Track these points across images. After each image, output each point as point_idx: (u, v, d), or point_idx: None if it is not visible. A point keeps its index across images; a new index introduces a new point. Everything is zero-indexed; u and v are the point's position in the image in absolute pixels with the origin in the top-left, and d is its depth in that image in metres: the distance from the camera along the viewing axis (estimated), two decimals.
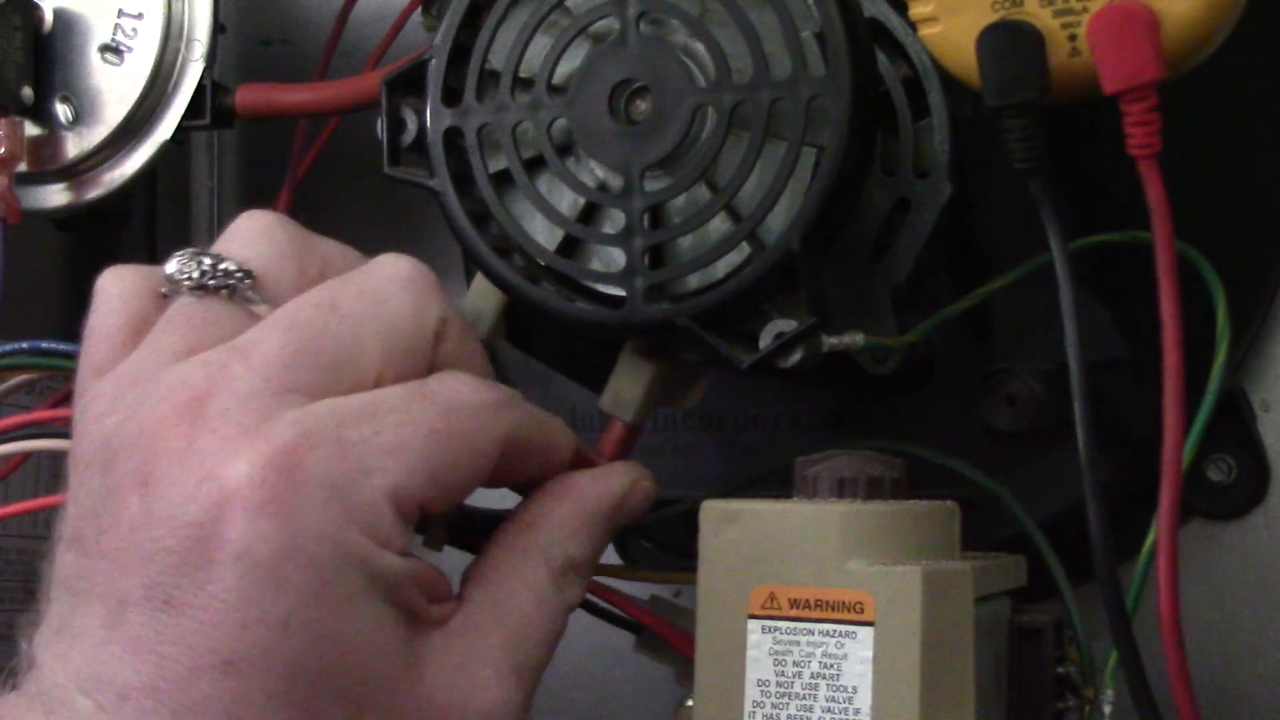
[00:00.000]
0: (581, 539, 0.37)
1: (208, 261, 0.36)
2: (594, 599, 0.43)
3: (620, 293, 0.40)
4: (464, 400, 0.34)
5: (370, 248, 0.64)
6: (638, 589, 0.45)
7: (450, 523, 0.41)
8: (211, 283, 0.35)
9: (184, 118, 0.53)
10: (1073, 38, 0.34)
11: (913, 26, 0.37)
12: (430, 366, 0.36)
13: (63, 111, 0.53)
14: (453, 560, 0.44)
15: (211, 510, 0.30)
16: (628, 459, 0.41)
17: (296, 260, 0.37)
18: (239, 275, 0.36)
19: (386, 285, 0.36)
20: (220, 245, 0.37)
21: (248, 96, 0.53)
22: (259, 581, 0.30)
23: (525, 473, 0.38)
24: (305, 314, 0.34)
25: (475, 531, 0.40)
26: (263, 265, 0.36)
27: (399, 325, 0.35)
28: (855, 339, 0.39)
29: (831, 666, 0.35)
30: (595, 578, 0.43)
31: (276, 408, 0.32)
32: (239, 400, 0.32)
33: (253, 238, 0.37)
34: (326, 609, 0.31)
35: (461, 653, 0.34)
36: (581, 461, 0.39)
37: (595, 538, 0.38)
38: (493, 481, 0.37)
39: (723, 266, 0.39)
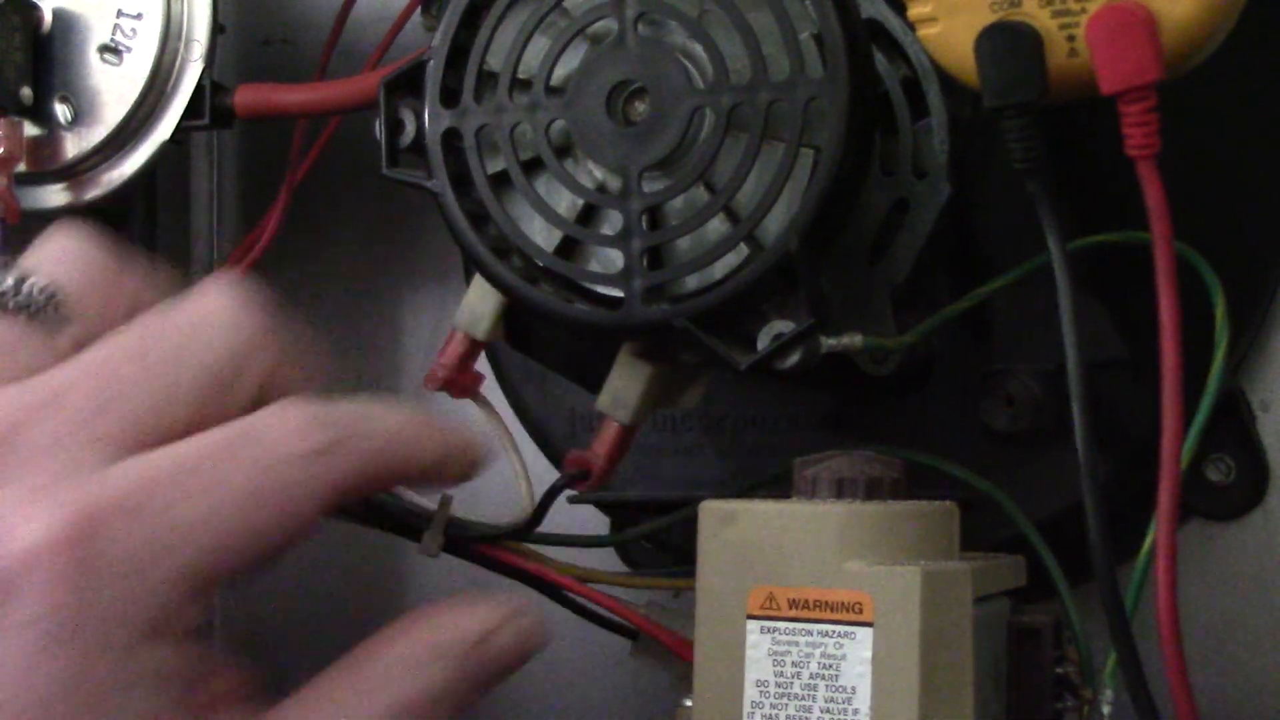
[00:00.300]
0: (423, 677, 0.32)
1: (11, 280, 0.33)
2: (590, 605, 0.43)
3: (618, 294, 0.40)
4: (286, 451, 0.31)
5: (369, 249, 0.65)
6: (635, 591, 0.45)
7: (447, 531, 0.41)
8: (13, 303, 0.32)
9: (183, 118, 0.53)
10: (1071, 38, 0.34)
11: (911, 27, 0.37)
12: (255, 404, 0.32)
13: (62, 112, 0.53)
14: (452, 565, 0.44)
15: (3, 572, 0.28)
16: (514, 600, 0.35)
17: (105, 287, 0.34)
18: (44, 298, 0.33)
19: (203, 323, 0.32)
20: (29, 260, 0.34)
21: (247, 96, 0.53)
22: (39, 653, 0.28)
23: (391, 485, 0.35)
24: (114, 355, 0.31)
25: (471, 541, 0.40)
26: (71, 288, 0.33)
27: (216, 368, 0.32)
28: (854, 340, 0.39)
29: (830, 667, 0.35)
30: (592, 584, 0.43)
31: (83, 461, 0.29)
32: (43, 449, 0.29)
33: (63, 257, 0.34)
34: (96, 693, 0.29)
35: None
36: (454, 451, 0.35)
37: (444, 677, 0.32)
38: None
39: (721, 268, 0.39)
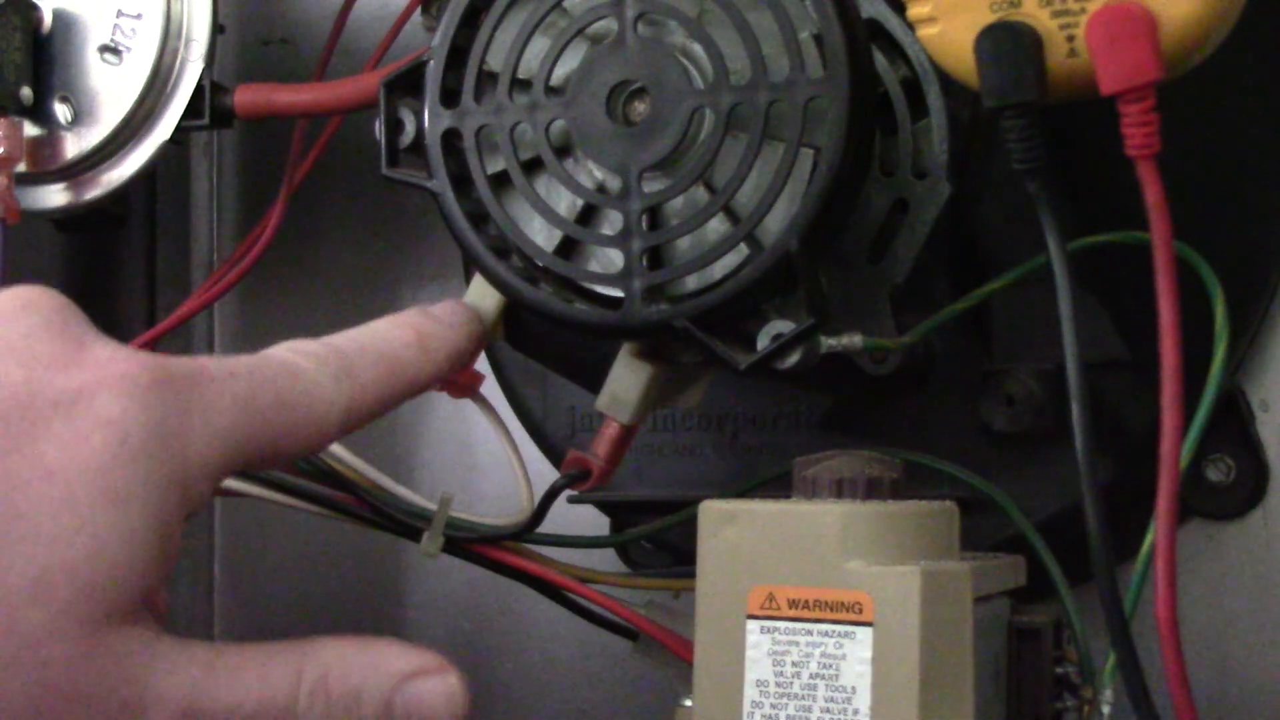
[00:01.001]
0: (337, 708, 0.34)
1: None
2: (590, 605, 0.43)
3: (618, 294, 0.40)
4: (310, 372, 0.35)
5: (369, 249, 0.65)
6: (635, 591, 0.45)
7: (447, 531, 0.41)
8: None
9: (183, 118, 0.53)
10: (1071, 38, 0.34)
11: (911, 27, 0.37)
12: None
13: (62, 112, 0.53)
14: (452, 565, 0.44)
15: (96, 378, 0.32)
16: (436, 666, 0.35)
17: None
18: None
19: None
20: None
21: (246, 97, 0.53)
22: (103, 448, 0.31)
23: (399, 403, 0.39)
24: None
25: (471, 542, 0.40)
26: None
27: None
28: (854, 340, 0.39)
29: (830, 667, 0.35)
30: (592, 584, 0.43)
31: None
32: None
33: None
34: (123, 500, 0.31)
35: (139, 667, 0.32)
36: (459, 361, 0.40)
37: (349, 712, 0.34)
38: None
39: (721, 268, 0.39)
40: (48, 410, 0.31)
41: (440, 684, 0.34)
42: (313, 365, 0.36)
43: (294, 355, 0.36)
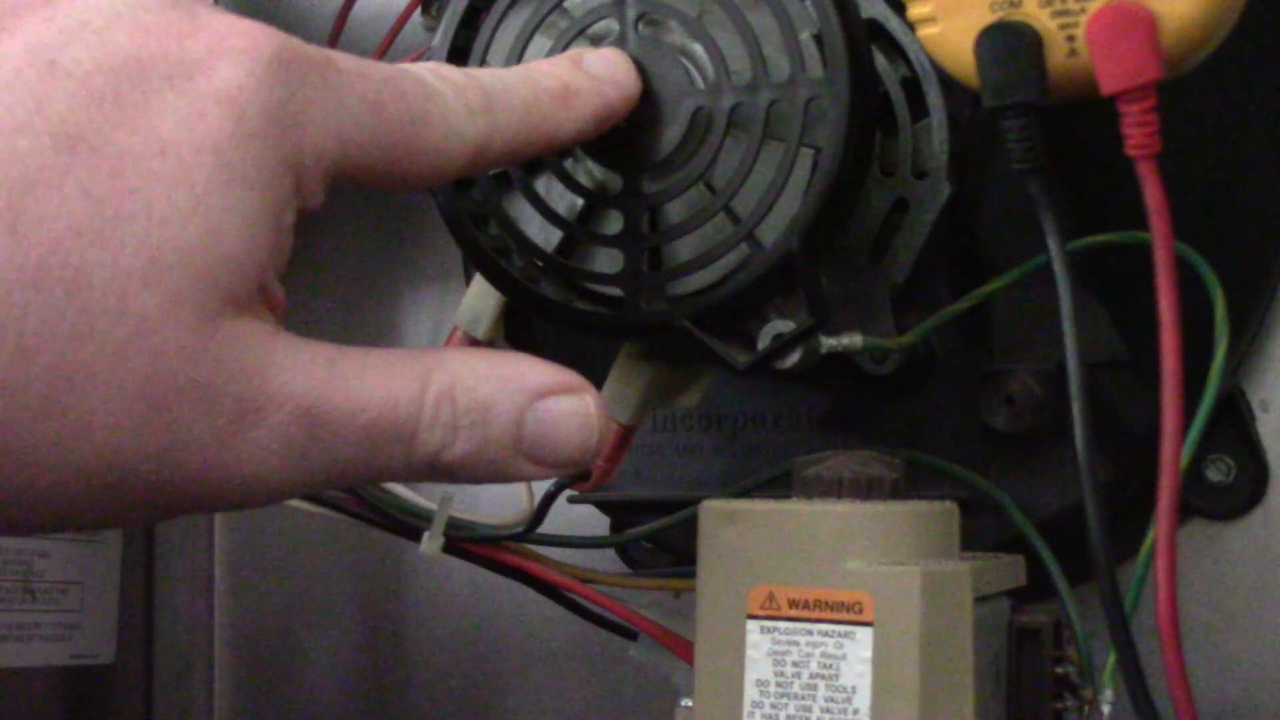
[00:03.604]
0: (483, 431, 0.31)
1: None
2: (590, 605, 0.43)
3: (618, 294, 0.40)
4: (450, 96, 0.33)
5: (369, 249, 0.65)
6: (635, 591, 0.45)
7: (447, 532, 0.42)
8: None
9: None
10: (1071, 38, 0.34)
11: (911, 27, 0.37)
12: None
13: None
14: (453, 566, 0.44)
15: (215, 44, 0.29)
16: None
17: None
18: None
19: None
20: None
21: None
22: (219, 126, 0.29)
23: (530, 155, 0.36)
24: None
25: (471, 542, 0.40)
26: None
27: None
28: (854, 340, 0.39)
29: (830, 667, 0.35)
30: (592, 584, 0.43)
31: None
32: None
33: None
34: (239, 181, 0.29)
35: (257, 361, 0.29)
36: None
37: (489, 438, 0.31)
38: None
39: (721, 268, 0.39)
40: (160, 82, 0.28)
41: (576, 404, 0.32)
42: (451, 92, 0.33)
43: (434, 76, 0.33)
